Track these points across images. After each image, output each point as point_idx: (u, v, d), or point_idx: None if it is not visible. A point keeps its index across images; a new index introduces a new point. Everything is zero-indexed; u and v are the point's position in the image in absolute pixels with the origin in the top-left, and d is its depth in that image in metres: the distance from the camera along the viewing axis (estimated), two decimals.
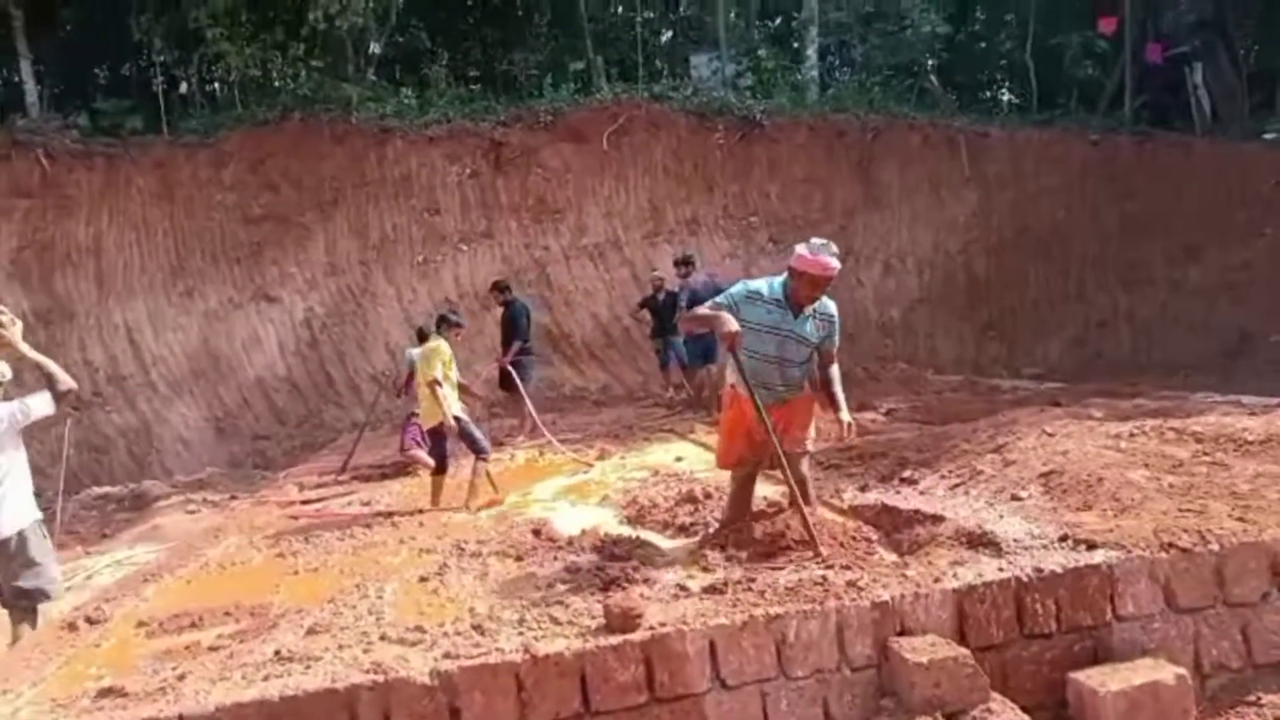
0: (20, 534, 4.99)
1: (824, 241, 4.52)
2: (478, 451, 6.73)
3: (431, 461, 7.27)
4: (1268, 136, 18.84)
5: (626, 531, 5.21)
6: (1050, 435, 5.76)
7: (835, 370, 4.72)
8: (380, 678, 3.17)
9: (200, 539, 6.61)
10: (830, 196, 17.19)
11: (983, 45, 22.87)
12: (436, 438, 6.95)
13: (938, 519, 4.48)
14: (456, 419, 6.75)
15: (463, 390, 7.30)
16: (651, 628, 3.37)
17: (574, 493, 6.96)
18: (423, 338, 9.52)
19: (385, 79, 18.35)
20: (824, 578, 3.75)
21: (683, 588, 3.87)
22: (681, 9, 23.33)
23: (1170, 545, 3.68)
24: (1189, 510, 4.08)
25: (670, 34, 22.82)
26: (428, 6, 18.91)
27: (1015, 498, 4.71)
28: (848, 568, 3.91)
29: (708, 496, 5.66)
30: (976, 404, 9.25)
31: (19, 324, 5.17)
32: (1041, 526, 4.12)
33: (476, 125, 16.75)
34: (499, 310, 11.24)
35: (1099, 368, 15.42)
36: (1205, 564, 3.65)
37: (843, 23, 20.36)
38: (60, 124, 15.99)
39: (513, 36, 19.80)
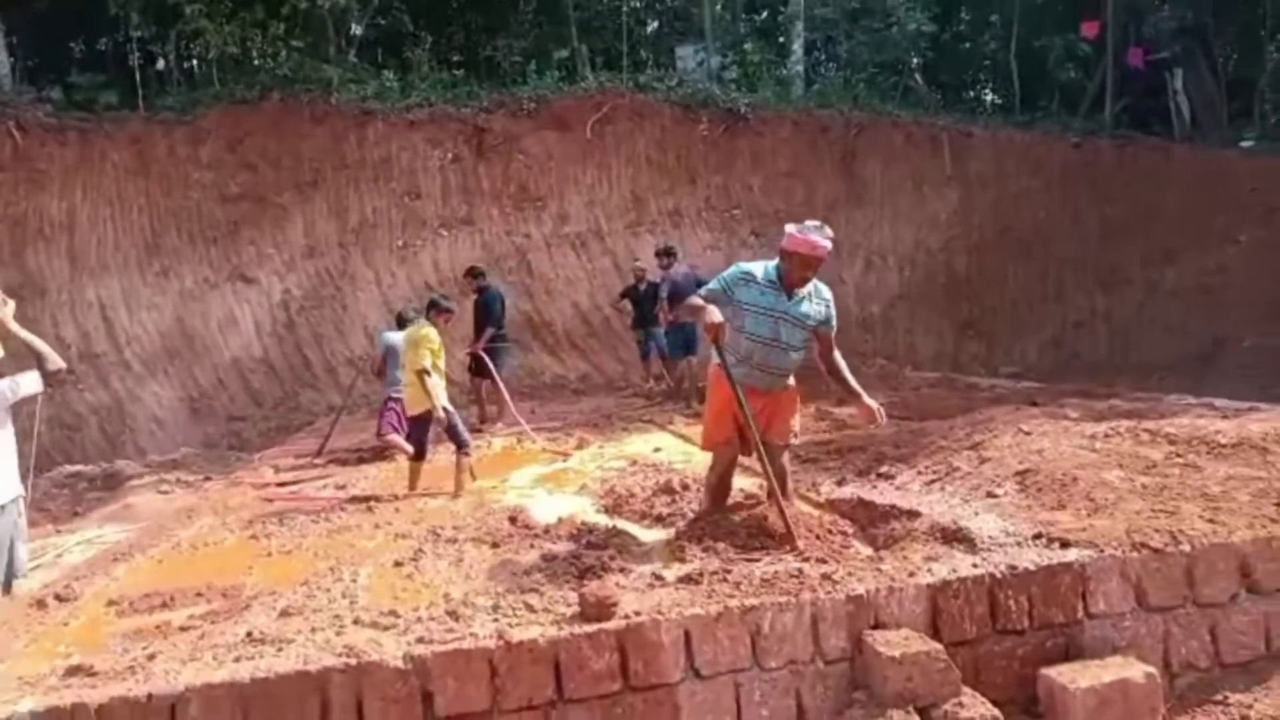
0: (8, 505, 4.99)
1: (817, 223, 4.53)
2: (460, 444, 6.69)
3: (409, 448, 7.23)
4: (1245, 144, 19.05)
5: (603, 521, 5.22)
6: (1026, 434, 5.81)
7: (839, 358, 4.71)
8: (353, 661, 3.15)
9: (173, 519, 6.55)
10: (813, 191, 17.22)
11: (967, 45, 22.98)
12: (417, 424, 6.91)
13: (913, 514, 4.51)
14: (445, 410, 6.71)
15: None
16: (627, 616, 3.37)
17: (551, 481, 6.95)
18: (401, 323, 9.45)
19: (367, 61, 18.16)
20: (800, 570, 3.77)
21: (658, 577, 3.88)
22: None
23: (1142, 545, 3.72)
24: (1161, 511, 4.12)
25: (656, 24, 22.76)
26: None
27: (991, 495, 4.75)
28: (823, 561, 3.93)
29: (685, 488, 5.67)
30: (954, 401, 9.32)
31: (11, 304, 5.19)
32: (1016, 524, 4.15)
33: (459, 110, 16.61)
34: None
35: (1075, 368, 15.55)
36: (1176, 564, 3.70)
37: (829, 19, 20.36)
38: (33, 97, 15.71)
39: (497, 22, 19.64)
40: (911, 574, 3.64)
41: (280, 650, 3.28)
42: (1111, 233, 17.53)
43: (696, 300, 4.60)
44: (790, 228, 4.52)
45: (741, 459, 4.94)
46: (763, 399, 4.59)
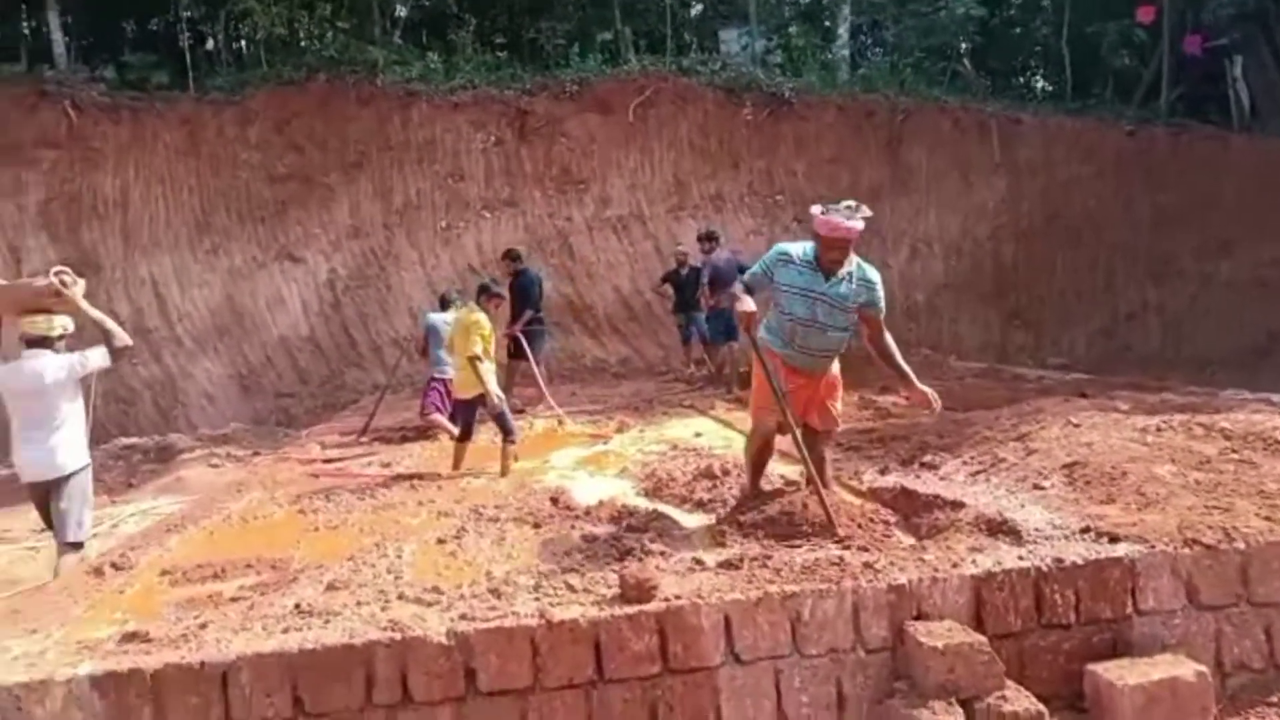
0: (77, 474, 5.32)
1: (851, 204, 4.41)
2: (506, 432, 6.71)
3: (453, 428, 7.29)
4: None
5: (644, 504, 5.23)
6: (1075, 426, 5.72)
7: (890, 341, 4.62)
8: (398, 635, 3.20)
9: (223, 492, 6.69)
10: (857, 177, 17.01)
11: (1017, 30, 22.47)
12: (466, 407, 6.94)
13: (957, 505, 4.46)
14: (498, 398, 6.74)
15: None
16: (667, 599, 3.38)
17: (592, 463, 6.98)
18: (444, 304, 9.53)
19: (411, 43, 18.26)
20: (841, 558, 3.75)
21: (699, 562, 3.88)
22: None
23: (1194, 541, 3.65)
24: (1215, 507, 4.03)
25: (700, 7, 22.55)
26: None
27: (1037, 487, 4.68)
28: (865, 549, 3.90)
29: (726, 473, 5.66)
30: (1000, 392, 9.18)
31: (81, 283, 5.46)
32: (1063, 517, 4.09)
33: (502, 93, 16.65)
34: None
35: (1126, 360, 15.25)
36: (1230, 562, 3.61)
37: (876, 2, 20.05)
38: (87, 76, 16.02)
39: (540, 4, 19.60)
40: (955, 565, 3.61)
41: (327, 623, 3.35)
42: (1165, 222, 17.12)
43: (737, 287, 4.61)
44: (815, 209, 4.47)
45: (783, 446, 4.92)
46: (803, 379, 4.58)
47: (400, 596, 3.61)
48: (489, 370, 6.73)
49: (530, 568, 3.92)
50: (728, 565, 3.77)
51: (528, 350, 10.08)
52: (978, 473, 5.23)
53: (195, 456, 11.12)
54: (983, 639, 3.32)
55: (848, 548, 3.93)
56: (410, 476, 6.61)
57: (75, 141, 15.16)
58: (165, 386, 14.59)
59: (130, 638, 3.29)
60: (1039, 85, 22.84)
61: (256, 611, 3.55)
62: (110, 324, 5.45)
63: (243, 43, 18.67)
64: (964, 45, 19.88)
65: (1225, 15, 19.21)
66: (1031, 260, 17.07)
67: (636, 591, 3.39)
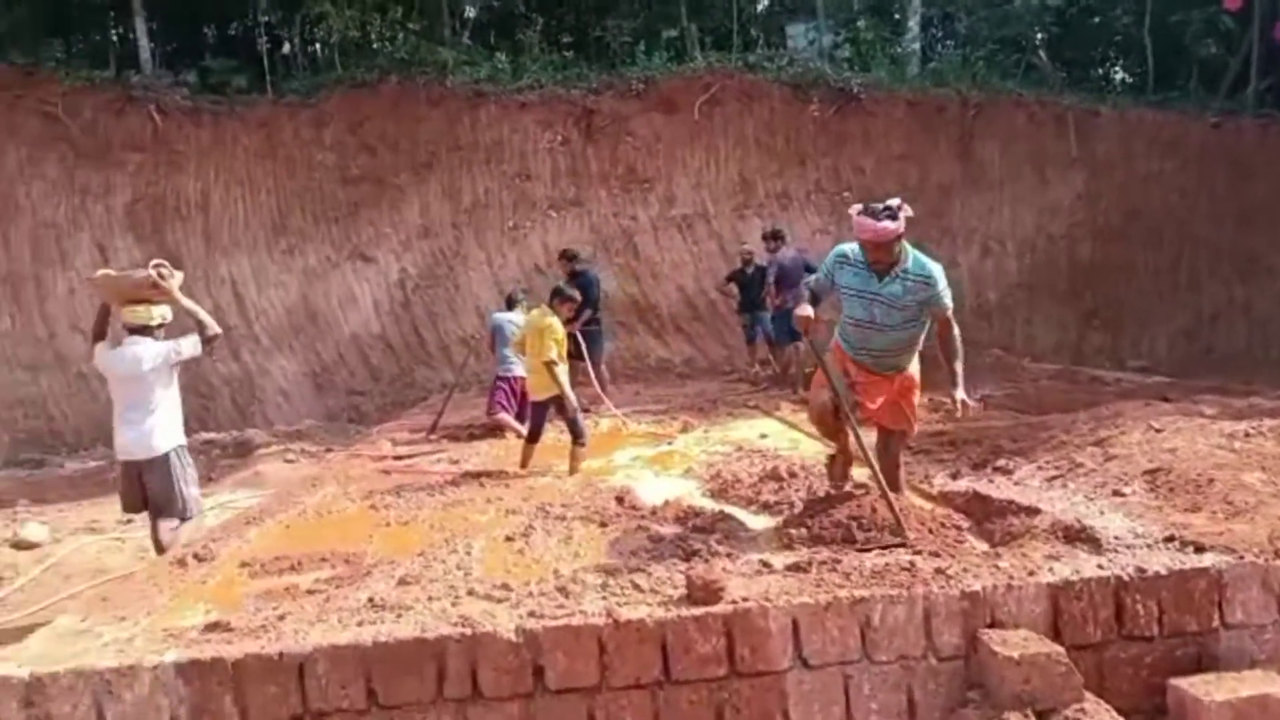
0: (169, 454, 5.67)
1: (892, 202, 4.29)
2: (576, 435, 6.75)
3: (520, 428, 7.35)
4: None
5: (709, 505, 5.21)
6: (1158, 431, 5.54)
7: (953, 339, 4.50)
8: (468, 631, 3.25)
9: (298, 487, 6.86)
10: (926, 174, 16.70)
11: (1096, 20, 21.75)
12: (538, 408, 7.00)
13: (1033, 511, 4.35)
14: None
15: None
16: (734, 601, 3.37)
17: (657, 463, 6.98)
18: (510, 304, 9.64)
19: (480, 43, 18.47)
20: (911, 563, 3.69)
21: (766, 564, 3.86)
22: None
23: None
24: None
25: (767, 2, 22.37)
26: None
27: (1117, 494, 4.55)
28: (936, 555, 3.84)
29: (792, 475, 5.62)
30: (1077, 395, 8.95)
31: (178, 275, 5.80)
32: (1145, 525, 3.97)
33: (568, 92, 16.75)
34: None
35: (1210, 363, 14.67)
36: None
37: None
38: (171, 81, 16.57)
39: (607, 3, 19.67)
40: (1031, 573, 3.52)
41: (400, 617, 3.41)
42: (1251, 218, 16.42)
43: (803, 290, 4.61)
44: (853, 209, 4.39)
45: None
46: (874, 377, 4.54)
47: (470, 592, 3.67)
48: (564, 372, 6.77)
49: (597, 567, 3.94)
50: (796, 568, 3.75)
51: (585, 350, 10.14)
52: (1054, 478, 5.10)
53: (271, 452, 11.44)
54: (1060, 649, 3.24)
55: (919, 553, 3.86)
56: (478, 474, 6.69)
57: (160, 145, 15.72)
58: (243, 383, 15.05)
59: (213, 627, 3.40)
60: (1118, 77, 22.07)
61: (332, 604, 3.64)
62: (203, 314, 5.80)
63: (317, 46, 19.11)
64: (1040, 36, 19.35)
65: None
66: (1110, 258, 16.53)
67: (703, 593, 3.39)
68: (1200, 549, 3.59)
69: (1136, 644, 3.42)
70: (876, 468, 4.32)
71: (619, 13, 19.34)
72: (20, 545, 7.70)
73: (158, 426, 5.63)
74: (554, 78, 17.06)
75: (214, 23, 20.15)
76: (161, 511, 5.70)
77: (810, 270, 10.23)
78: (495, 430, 8.81)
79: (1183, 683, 3.28)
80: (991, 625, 3.40)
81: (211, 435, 13.08)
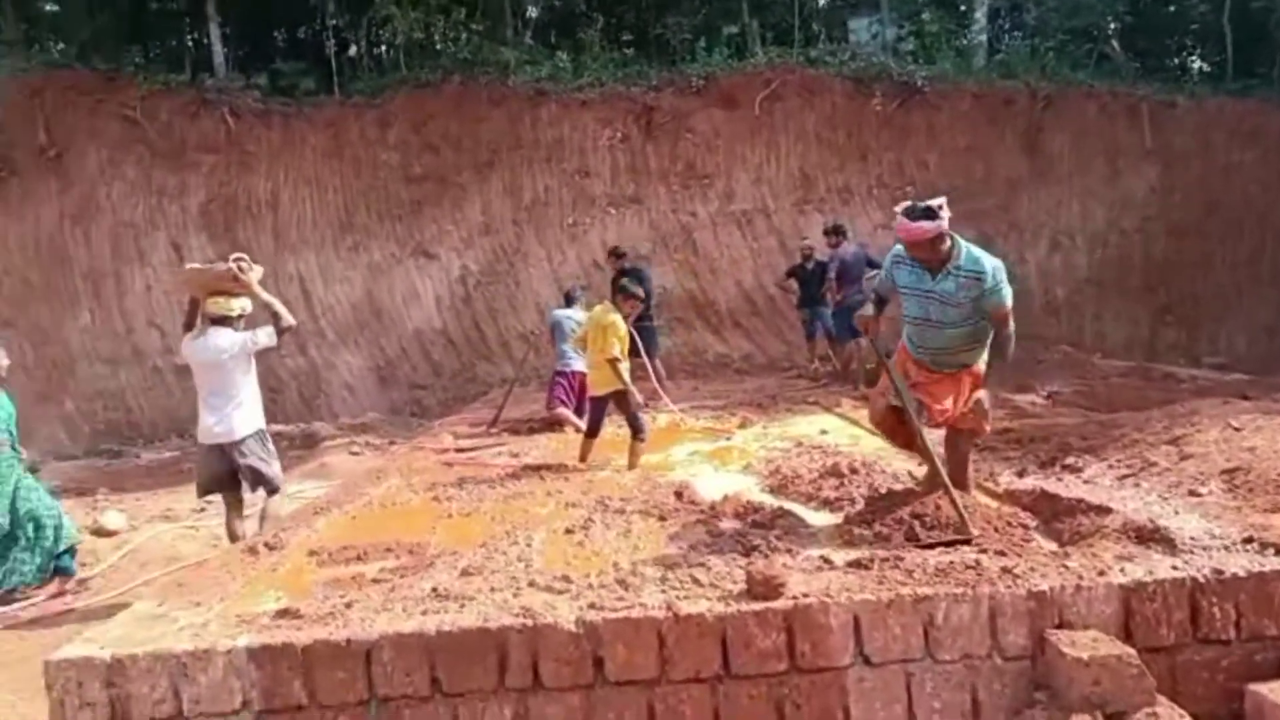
0: (250, 437, 6.05)
1: (934, 202, 4.23)
2: (637, 431, 6.77)
3: (579, 422, 7.39)
4: None
5: (769, 501, 5.18)
6: (1236, 430, 5.33)
7: (1005, 337, 4.39)
8: (529, 622, 3.29)
9: (363, 479, 7.01)
10: (993, 168, 16.36)
11: (1172, 8, 21.07)
12: (597, 404, 7.03)
13: (1103, 510, 4.23)
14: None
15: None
16: (794, 597, 3.35)
17: (716, 459, 6.97)
18: (569, 300, 9.70)
19: (542, 42, 18.62)
20: (977, 562, 3.63)
21: (827, 560, 3.82)
22: None
23: None
24: None
25: None
26: None
27: (1193, 493, 4.41)
28: (1002, 553, 3.76)
29: (854, 471, 5.55)
30: (1150, 392, 8.70)
31: (258, 269, 6.08)
32: (1223, 526, 3.84)
33: (628, 89, 16.80)
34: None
35: None
36: None
37: None
38: (243, 84, 17.03)
39: (668, 0, 19.67)
40: (1102, 573, 3.44)
41: (463, 607, 3.47)
42: None
43: (868, 290, 4.61)
44: (897, 208, 4.34)
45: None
46: (936, 378, 4.48)
47: (531, 584, 3.70)
48: (627, 369, 6.80)
49: (656, 560, 3.95)
50: (857, 565, 3.71)
51: (641, 346, 10.16)
52: (1125, 477, 4.96)
53: (337, 444, 11.72)
54: (1131, 651, 3.15)
55: (984, 551, 3.79)
56: (538, 467, 6.75)
57: (232, 146, 16.18)
58: (309, 377, 15.43)
59: (283, 614, 3.49)
60: (1195, 66, 21.33)
61: (397, 593, 3.71)
62: (278, 306, 6.10)
63: (383, 48, 19.47)
64: (1112, 25, 18.78)
65: None
66: (1185, 252, 16.00)
67: (764, 588, 3.38)
68: None
69: (1212, 647, 3.32)
70: (941, 467, 4.25)
71: (680, 10, 19.30)
72: (100, 532, 8.02)
73: (238, 412, 5.97)
74: (614, 75, 17.13)
75: (284, 27, 20.66)
76: (252, 488, 6.15)
77: (873, 265, 10.10)
78: (555, 424, 8.88)
79: (1262, 688, 3.17)
80: (1059, 626, 3.32)
81: (279, 428, 13.39)
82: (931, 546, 3.95)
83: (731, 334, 15.79)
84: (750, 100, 16.48)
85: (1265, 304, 15.69)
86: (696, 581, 3.62)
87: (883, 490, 4.96)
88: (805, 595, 3.36)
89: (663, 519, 4.82)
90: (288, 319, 6.11)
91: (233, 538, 6.04)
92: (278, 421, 14.05)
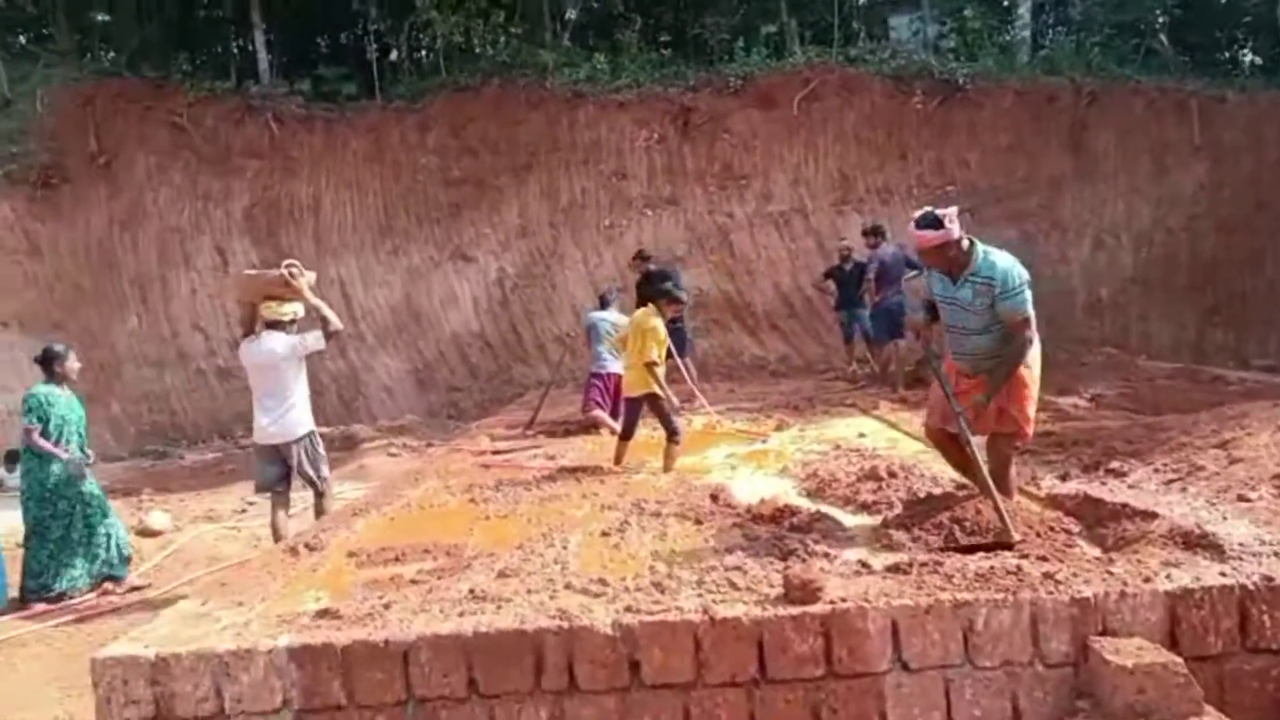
0: (304, 437, 6.35)
1: (929, 214, 4.32)
2: (671, 433, 6.76)
3: (615, 425, 7.39)
4: None
5: (806, 504, 5.14)
6: None
7: (1014, 346, 4.30)
8: (565, 624, 3.30)
9: (401, 481, 7.08)
10: (1036, 166, 16.10)
11: (1223, 1, 20.59)
12: (632, 405, 7.03)
13: (1149, 515, 4.14)
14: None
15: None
16: (832, 602, 3.32)
17: (752, 461, 6.93)
18: (604, 303, 9.71)
19: (580, 44, 18.68)
20: (1018, 567, 3.57)
21: (865, 565, 3.79)
22: None
23: None
24: None
25: None
26: None
27: (1243, 499, 4.29)
28: (1044, 559, 3.70)
29: (892, 475, 5.49)
30: (1197, 395, 8.51)
31: (309, 275, 6.29)
32: (1273, 532, 3.74)
33: (666, 91, 16.80)
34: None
35: None
36: None
37: None
38: (287, 90, 17.33)
39: (706, 0, 19.63)
40: (1147, 579, 3.37)
41: (499, 608, 3.49)
42: None
43: (909, 289, 4.66)
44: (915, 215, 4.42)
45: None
46: (975, 382, 4.46)
47: (568, 586, 3.72)
48: (663, 373, 6.80)
49: (692, 564, 3.94)
50: (895, 570, 3.67)
51: (673, 348, 10.13)
52: (1172, 481, 4.85)
53: (375, 446, 11.86)
54: (1178, 660, 3.08)
55: (1025, 556, 3.73)
56: (574, 470, 6.77)
57: (275, 151, 16.46)
58: (349, 379, 15.63)
59: (323, 614, 3.54)
60: (1247, 60, 20.82)
61: (434, 595, 3.74)
62: (326, 310, 6.30)
63: (423, 52, 19.68)
64: (1160, 18, 18.40)
65: None
66: (1234, 251, 15.60)
67: (801, 592, 3.35)
68: None
69: (1262, 657, 3.23)
70: (983, 471, 4.20)
71: (718, 10, 19.27)
72: (145, 532, 8.19)
73: (291, 413, 6.26)
74: (652, 76, 17.15)
75: (327, 32, 20.97)
76: (313, 485, 6.43)
77: (912, 266, 9.99)
78: (590, 426, 8.90)
79: None
80: (1103, 633, 3.26)
81: (320, 429, 13.60)
82: (972, 550, 3.89)
83: (768, 336, 15.72)
84: (788, 100, 16.40)
85: None
86: (733, 585, 3.61)
87: (921, 494, 4.90)
88: (843, 600, 3.33)
89: (699, 522, 4.81)
90: (336, 323, 6.31)
91: (277, 534, 6.16)
92: (317, 424, 14.24)
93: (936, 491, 4.87)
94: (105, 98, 16.31)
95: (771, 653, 3.27)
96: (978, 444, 4.41)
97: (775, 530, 4.47)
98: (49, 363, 6.83)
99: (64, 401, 6.81)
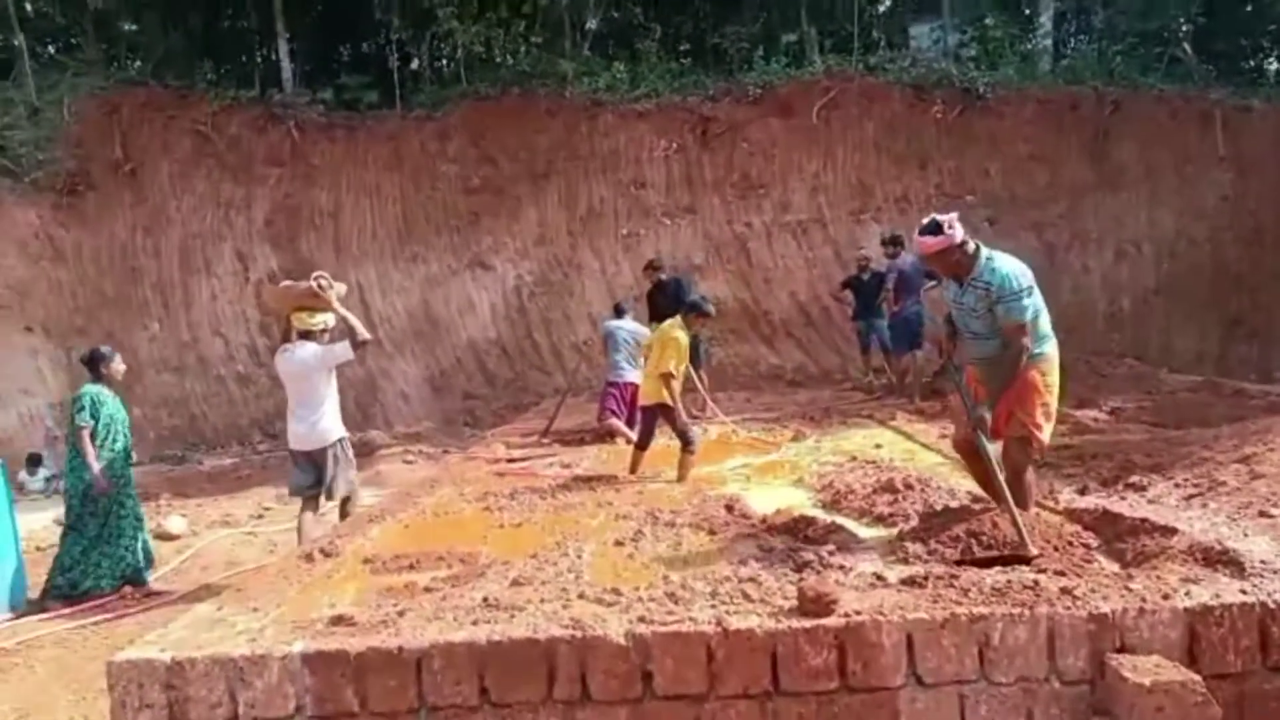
0: (334, 444, 6.46)
1: (932, 221, 4.36)
2: (686, 443, 6.75)
3: (631, 434, 7.38)
4: None
5: (821, 516, 5.11)
6: None
7: (1010, 349, 4.29)
8: (578, 634, 3.29)
9: (417, 488, 7.11)
10: (1057, 175, 16.01)
11: (1249, 8, 20.40)
12: (647, 414, 7.03)
13: (1169, 530, 4.09)
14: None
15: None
16: (846, 615, 3.30)
17: (768, 472, 6.91)
18: (619, 312, 9.73)
19: (600, 54, 18.76)
20: (1035, 582, 3.54)
21: (880, 577, 3.76)
22: None
23: None
24: None
25: (889, 2, 21.89)
26: None
27: (1264, 515, 4.24)
28: (1062, 574, 3.67)
29: (909, 487, 5.45)
30: (1219, 408, 8.39)
31: (339, 287, 6.47)
32: None
33: (685, 100, 16.84)
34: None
35: None
36: None
37: None
38: (309, 98, 17.49)
39: (726, 9, 19.66)
40: (1166, 596, 3.32)
41: (513, 617, 3.48)
42: None
43: (924, 298, 4.70)
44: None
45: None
46: (988, 387, 4.49)
47: (581, 595, 3.71)
48: (679, 386, 6.80)
49: (706, 574, 3.92)
50: (911, 583, 3.64)
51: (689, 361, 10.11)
52: (1192, 496, 4.80)
53: (392, 453, 11.90)
54: (1197, 678, 3.03)
55: (1043, 571, 3.70)
56: (589, 478, 6.77)
57: (297, 160, 16.61)
58: (366, 386, 15.70)
59: (337, 621, 3.55)
60: (1272, 68, 20.63)
61: (448, 602, 3.74)
62: (354, 321, 6.41)
63: (444, 61, 19.82)
64: (1184, 27, 18.26)
65: None
66: (1259, 263, 15.43)
67: (815, 605, 3.34)
68: None
69: None
70: (1001, 480, 4.17)
71: (737, 19, 19.29)
72: (163, 536, 8.26)
73: (322, 421, 6.41)
74: (671, 86, 17.20)
75: (349, 42, 21.16)
76: (331, 494, 6.51)
77: (930, 276, 9.94)
78: (606, 435, 8.90)
79: None
80: (1121, 650, 3.22)
81: None
82: (988, 564, 3.86)
83: (785, 345, 15.68)
84: (808, 109, 16.40)
85: None
86: (747, 596, 3.59)
87: (938, 507, 4.87)
88: (857, 613, 3.31)
89: (713, 533, 4.80)
90: (363, 334, 6.41)
91: (301, 534, 6.22)
92: None
93: (953, 504, 4.84)
94: (131, 106, 16.53)
95: (785, 665, 3.25)
96: (994, 453, 4.38)
97: (790, 542, 4.45)
98: (95, 363, 6.97)
99: (112, 400, 6.96)
